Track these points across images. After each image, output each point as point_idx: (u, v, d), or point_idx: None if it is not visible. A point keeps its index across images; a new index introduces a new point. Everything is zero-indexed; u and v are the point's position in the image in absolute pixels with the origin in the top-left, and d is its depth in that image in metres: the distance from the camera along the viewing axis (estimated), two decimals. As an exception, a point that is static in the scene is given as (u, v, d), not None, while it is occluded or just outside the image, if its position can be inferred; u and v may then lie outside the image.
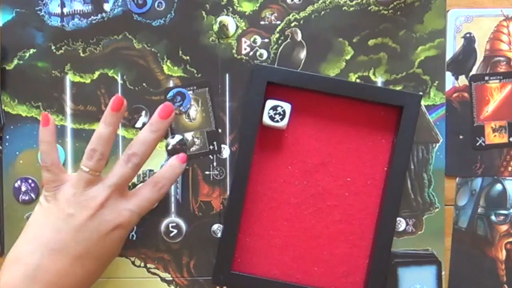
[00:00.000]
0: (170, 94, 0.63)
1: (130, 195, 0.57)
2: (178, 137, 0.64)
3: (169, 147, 0.63)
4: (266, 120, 0.61)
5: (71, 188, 0.56)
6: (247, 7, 0.64)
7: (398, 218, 0.63)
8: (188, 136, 0.64)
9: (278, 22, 0.64)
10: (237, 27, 0.64)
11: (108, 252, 0.56)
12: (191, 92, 0.63)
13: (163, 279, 0.64)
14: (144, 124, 0.64)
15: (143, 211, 0.58)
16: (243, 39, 0.64)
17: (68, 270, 0.54)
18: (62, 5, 0.64)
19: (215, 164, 0.64)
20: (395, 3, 0.64)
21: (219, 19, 0.64)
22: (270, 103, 0.61)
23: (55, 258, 0.54)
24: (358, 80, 0.64)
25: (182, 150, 0.63)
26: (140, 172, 0.63)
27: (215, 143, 0.64)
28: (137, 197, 0.57)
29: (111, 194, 0.56)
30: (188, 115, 0.64)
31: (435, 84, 0.64)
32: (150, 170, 0.63)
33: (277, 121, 0.61)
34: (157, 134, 0.57)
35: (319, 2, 0.64)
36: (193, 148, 0.64)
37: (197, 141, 0.64)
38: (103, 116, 0.56)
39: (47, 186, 0.56)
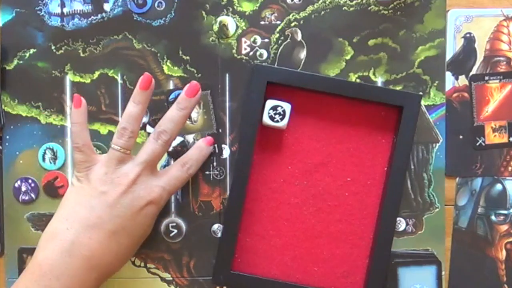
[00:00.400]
0: (172, 96, 0.63)
1: (160, 173, 0.59)
2: (179, 139, 0.64)
3: (170, 149, 0.63)
4: (266, 120, 0.61)
5: (103, 167, 0.57)
6: (247, 7, 0.64)
7: (398, 218, 0.63)
8: (189, 138, 0.64)
9: (278, 22, 0.64)
10: (237, 27, 0.64)
11: (141, 228, 0.57)
12: None
13: (163, 279, 0.64)
14: (144, 124, 0.64)
15: (173, 189, 0.59)
16: (243, 39, 0.64)
17: (103, 245, 0.55)
18: (62, 5, 0.64)
19: (215, 164, 0.64)
20: (395, 3, 0.64)
21: (219, 19, 0.64)
22: (270, 103, 0.61)
23: (90, 234, 0.55)
24: (358, 80, 0.64)
25: (182, 152, 0.63)
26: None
27: (216, 145, 0.64)
28: (167, 175, 0.59)
29: (142, 171, 0.57)
30: (190, 117, 0.64)
31: (435, 84, 0.64)
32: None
33: (277, 121, 0.61)
34: (184, 112, 0.58)
35: (319, 2, 0.64)
36: None
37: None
38: (132, 95, 0.58)
39: (78, 167, 0.58)
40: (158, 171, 0.59)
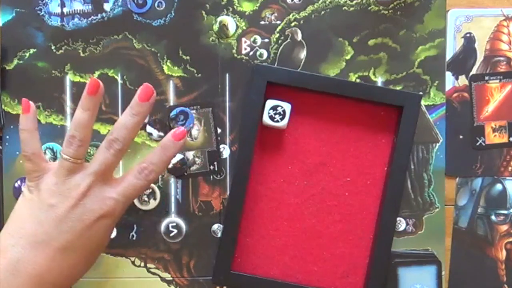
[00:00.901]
0: (173, 113, 0.63)
1: (114, 182, 0.55)
2: (179, 156, 0.63)
3: (170, 166, 0.63)
4: (266, 120, 0.61)
5: (53, 177, 0.54)
6: (247, 7, 0.64)
7: (398, 218, 0.63)
8: (189, 155, 0.64)
9: (278, 22, 0.64)
10: (237, 27, 0.64)
11: (94, 244, 0.54)
12: (194, 111, 0.63)
13: (163, 279, 0.64)
14: (144, 124, 0.64)
15: (129, 200, 0.55)
16: (243, 39, 0.64)
17: (51, 263, 0.52)
18: (62, 5, 0.64)
19: (215, 164, 0.64)
20: (395, 3, 0.64)
21: (219, 19, 0.64)
22: (270, 103, 0.61)
23: (37, 251, 0.52)
24: (358, 80, 0.64)
25: (182, 169, 0.63)
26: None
27: (215, 163, 0.63)
28: (122, 184, 0.55)
29: (94, 182, 0.53)
30: (190, 134, 0.63)
31: (435, 84, 0.64)
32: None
33: (277, 121, 0.61)
34: (137, 118, 0.54)
35: (319, 2, 0.64)
36: (193, 168, 0.64)
37: (198, 161, 0.64)
38: (80, 101, 0.54)
39: (29, 176, 0.55)
40: (112, 180, 0.55)
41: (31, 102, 0.55)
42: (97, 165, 0.54)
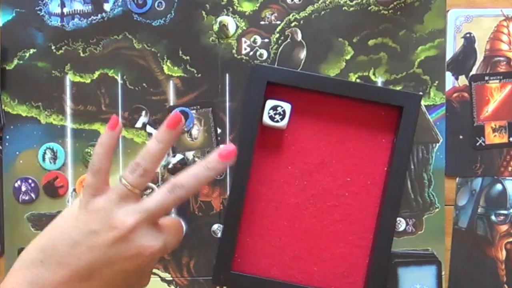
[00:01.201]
0: (173, 113, 0.63)
1: (161, 228, 0.52)
2: (179, 156, 0.63)
3: (170, 166, 0.63)
4: (266, 120, 0.61)
5: (103, 201, 0.50)
6: (247, 7, 0.64)
7: (398, 218, 0.63)
8: (189, 155, 0.64)
9: (278, 22, 0.64)
10: (237, 27, 0.64)
11: (122, 280, 0.51)
12: (194, 111, 0.63)
13: (163, 279, 0.64)
14: (144, 124, 0.64)
15: (172, 246, 0.53)
16: (243, 39, 0.64)
17: (72, 285, 0.50)
18: (62, 5, 0.64)
19: (215, 164, 0.64)
20: (395, 3, 0.64)
21: (219, 19, 0.64)
22: (270, 103, 0.61)
23: (62, 271, 0.50)
24: (358, 80, 0.64)
25: (182, 169, 0.63)
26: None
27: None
28: (169, 230, 0.52)
29: (144, 221, 0.50)
30: (190, 134, 0.63)
31: (435, 84, 0.64)
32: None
33: (277, 121, 0.61)
34: (211, 173, 0.51)
35: (319, 2, 0.64)
36: None
37: (198, 161, 0.63)
38: (156, 132, 0.51)
39: (85, 191, 0.51)
40: (158, 224, 0.52)
41: (120, 121, 0.52)
42: (154, 204, 0.50)
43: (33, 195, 0.64)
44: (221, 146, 0.54)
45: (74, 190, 0.64)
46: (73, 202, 0.54)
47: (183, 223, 0.58)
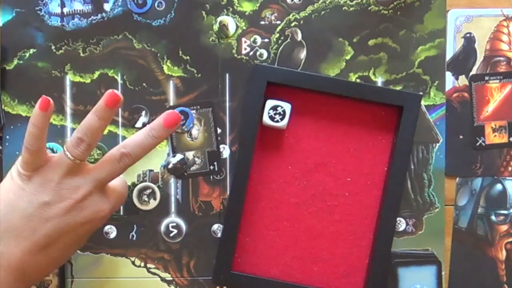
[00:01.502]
0: None
1: (109, 191, 0.56)
2: (179, 156, 0.63)
3: (170, 166, 0.63)
4: (266, 120, 0.61)
5: (51, 173, 0.53)
6: (247, 7, 0.64)
7: (398, 218, 0.63)
8: (189, 155, 0.64)
9: (278, 22, 0.64)
10: (237, 27, 0.64)
11: (76, 243, 0.55)
12: (194, 111, 0.63)
13: (163, 279, 0.64)
14: (144, 124, 0.64)
15: (118, 207, 0.58)
16: (243, 39, 0.64)
17: (33, 257, 0.52)
18: (62, 5, 0.64)
19: (215, 164, 0.64)
20: (395, 3, 0.64)
21: (219, 19, 0.64)
22: (270, 103, 0.61)
23: (21, 245, 0.52)
24: (358, 80, 0.64)
25: (182, 169, 0.63)
26: (140, 171, 0.63)
27: (215, 163, 0.63)
28: (115, 193, 0.56)
29: (94, 189, 0.53)
30: (190, 134, 0.63)
31: (435, 84, 0.64)
32: (150, 170, 0.63)
33: (277, 121, 0.61)
34: (156, 141, 0.54)
35: (319, 2, 0.64)
36: (193, 168, 0.64)
37: (198, 161, 0.64)
38: (95, 107, 0.53)
39: (25, 165, 0.53)
40: (107, 188, 0.55)
41: (51, 101, 0.52)
42: (103, 174, 0.54)
43: (33, 195, 0.64)
44: (166, 112, 0.54)
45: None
46: (7, 179, 0.54)
47: (127, 184, 0.60)
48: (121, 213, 0.63)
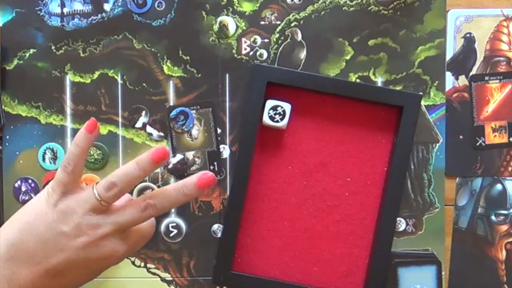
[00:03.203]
0: (173, 113, 0.63)
1: (131, 232, 0.55)
2: (179, 157, 0.63)
3: (170, 166, 0.63)
4: (266, 120, 0.61)
5: (76, 205, 0.53)
6: (247, 7, 0.64)
7: (398, 218, 0.63)
8: (189, 155, 0.64)
9: (278, 22, 0.64)
10: (237, 27, 0.64)
11: (88, 275, 0.54)
12: (194, 111, 0.63)
13: (163, 279, 0.64)
14: (144, 124, 0.64)
15: (137, 249, 0.57)
16: (243, 39, 0.64)
17: (43, 281, 0.52)
18: (62, 5, 0.64)
19: (215, 164, 0.64)
20: (395, 3, 0.64)
21: (219, 19, 0.64)
22: (270, 103, 0.61)
23: (33, 268, 0.52)
24: (358, 80, 0.64)
25: (182, 169, 0.63)
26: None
27: (215, 163, 0.63)
28: (135, 236, 0.56)
29: (114, 232, 0.53)
30: (190, 134, 0.63)
31: (435, 84, 0.64)
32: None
33: (277, 121, 0.61)
34: (187, 198, 0.55)
35: (319, 2, 0.64)
36: (193, 168, 0.64)
37: (198, 161, 0.64)
38: (138, 157, 0.54)
39: (57, 187, 0.53)
40: (129, 230, 0.55)
41: (98, 125, 0.54)
42: (125, 219, 0.53)
43: (33, 195, 0.64)
44: (201, 172, 0.54)
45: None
46: (35, 199, 0.54)
47: (154, 227, 0.59)
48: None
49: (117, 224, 0.53)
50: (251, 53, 0.64)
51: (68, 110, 0.64)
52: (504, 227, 0.64)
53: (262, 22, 0.64)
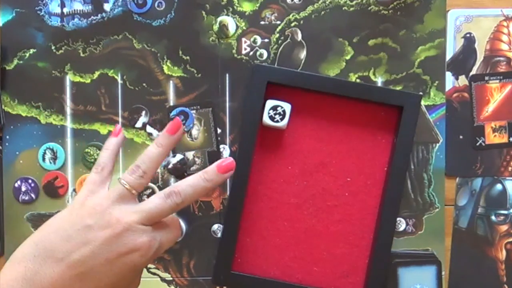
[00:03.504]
0: (173, 113, 0.63)
1: (158, 226, 0.53)
2: (179, 156, 0.63)
3: (170, 166, 0.63)
4: (266, 120, 0.61)
5: (101, 198, 0.52)
6: (247, 7, 0.64)
7: (398, 218, 0.63)
8: (189, 155, 0.64)
9: (278, 22, 0.64)
10: (237, 27, 0.64)
11: (116, 277, 0.51)
12: (194, 111, 0.63)
13: (163, 279, 0.64)
14: (144, 124, 0.64)
15: (167, 243, 0.54)
16: (243, 39, 0.64)
17: (65, 282, 0.50)
18: (62, 5, 0.64)
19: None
20: (395, 3, 0.64)
21: (219, 19, 0.64)
22: (270, 103, 0.61)
23: (55, 267, 0.50)
24: (358, 80, 0.64)
25: (182, 169, 0.63)
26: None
27: None
28: (162, 228, 0.53)
29: (139, 221, 0.51)
30: (190, 134, 0.64)
31: (435, 84, 0.64)
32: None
33: (277, 121, 0.61)
34: (208, 184, 0.54)
35: (319, 2, 0.64)
36: (193, 168, 0.64)
37: (198, 161, 0.64)
38: (157, 137, 0.54)
39: (85, 187, 0.53)
40: (157, 224, 0.53)
41: (123, 129, 0.57)
42: (149, 207, 0.52)
43: (33, 195, 0.64)
44: (222, 159, 0.55)
45: (74, 190, 0.64)
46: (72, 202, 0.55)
47: (182, 223, 0.57)
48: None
49: (143, 211, 0.52)
50: (251, 53, 0.64)
51: (68, 110, 0.64)
52: (504, 227, 0.64)
53: (262, 22, 0.64)
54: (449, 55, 0.64)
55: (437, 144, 0.64)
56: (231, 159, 0.55)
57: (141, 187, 0.53)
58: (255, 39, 0.64)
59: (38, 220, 0.64)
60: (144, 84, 0.64)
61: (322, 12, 0.64)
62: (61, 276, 0.51)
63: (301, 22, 0.64)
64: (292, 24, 0.64)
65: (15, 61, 0.64)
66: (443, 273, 0.63)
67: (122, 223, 0.51)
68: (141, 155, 0.53)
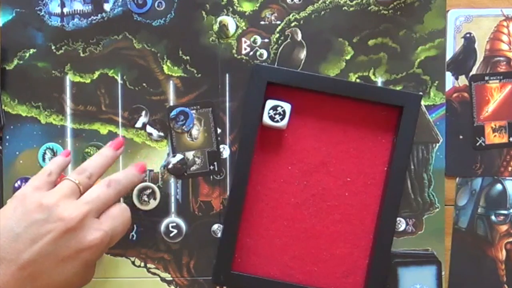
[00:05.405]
0: (173, 113, 0.63)
1: (105, 218, 0.54)
2: (179, 156, 0.63)
3: (170, 166, 0.63)
4: (266, 120, 0.61)
5: (50, 194, 0.52)
6: (247, 7, 0.64)
7: (398, 218, 0.63)
8: (189, 155, 0.64)
9: (278, 22, 0.64)
10: (237, 27, 0.64)
11: (69, 276, 0.51)
12: (194, 111, 0.63)
13: (163, 279, 0.64)
14: (144, 124, 0.64)
15: (118, 236, 0.55)
16: (243, 39, 0.64)
17: (17, 282, 0.49)
18: (62, 5, 0.64)
19: (215, 164, 0.64)
20: (395, 3, 0.64)
21: (219, 19, 0.64)
22: (270, 103, 0.61)
23: (6, 269, 0.49)
24: (358, 80, 0.64)
25: (182, 169, 0.63)
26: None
27: (215, 163, 0.63)
28: (110, 218, 0.54)
29: (89, 213, 0.51)
30: (190, 134, 0.63)
31: (435, 84, 0.64)
32: (150, 170, 0.63)
33: (277, 121, 0.61)
34: (140, 178, 0.59)
35: (319, 2, 0.64)
36: (193, 168, 0.64)
37: (198, 161, 0.64)
38: (103, 148, 0.59)
39: (49, 178, 0.55)
40: (102, 216, 0.54)
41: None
42: (94, 196, 0.53)
43: (33, 195, 0.64)
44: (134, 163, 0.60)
45: (74, 190, 0.64)
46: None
47: (128, 210, 0.56)
48: (121, 213, 0.63)
49: (90, 202, 0.52)
50: (251, 53, 0.64)
51: (68, 110, 0.64)
52: (504, 227, 0.64)
53: (262, 22, 0.64)
54: (449, 55, 0.64)
55: (437, 144, 0.64)
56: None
57: (88, 187, 0.54)
58: (255, 39, 0.64)
59: (38, 220, 0.64)
60: (144, 84, 0.64)
61: (322, 12, 0.64)
62: (13, 277, 0.49)
63: (301, 22, 0.64)
64: (292, 24, 0.64)
65: (15, 61, 0.64)
66: (443, 273, 0.63)
67: (73, 217, 0.50)
68: (88, 160, 0.57)
